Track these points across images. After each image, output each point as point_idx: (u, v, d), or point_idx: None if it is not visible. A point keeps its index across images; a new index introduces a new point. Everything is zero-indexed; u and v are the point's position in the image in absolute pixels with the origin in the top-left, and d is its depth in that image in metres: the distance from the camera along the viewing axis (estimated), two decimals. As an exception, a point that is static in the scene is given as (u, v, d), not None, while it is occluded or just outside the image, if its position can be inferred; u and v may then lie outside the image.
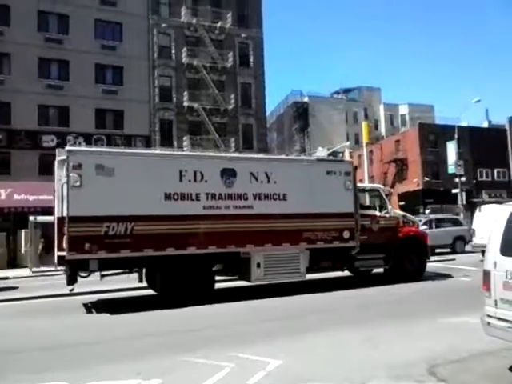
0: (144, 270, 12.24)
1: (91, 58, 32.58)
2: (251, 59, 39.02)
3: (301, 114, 67.41)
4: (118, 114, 33.48)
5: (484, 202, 31.73)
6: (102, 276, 11.62)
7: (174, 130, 35.96)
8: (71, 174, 10.46)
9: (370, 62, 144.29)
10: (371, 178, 51.89)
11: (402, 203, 48.06)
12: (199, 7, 37.17)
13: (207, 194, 11.73)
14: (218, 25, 37.35)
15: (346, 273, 14.84)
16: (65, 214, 10.44)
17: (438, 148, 43.08)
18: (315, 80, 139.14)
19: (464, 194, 37.10)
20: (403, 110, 71.13)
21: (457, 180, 36.95)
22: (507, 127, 46.47)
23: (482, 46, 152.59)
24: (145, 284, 12.58)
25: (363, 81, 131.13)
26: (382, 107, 72.58)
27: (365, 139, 20.12)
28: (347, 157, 30.67)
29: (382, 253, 13.84)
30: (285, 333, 8.04)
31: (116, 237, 10.70)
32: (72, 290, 11.89)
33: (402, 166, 48.88)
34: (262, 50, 39.75)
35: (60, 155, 10.92)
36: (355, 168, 14.24)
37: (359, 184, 14.93)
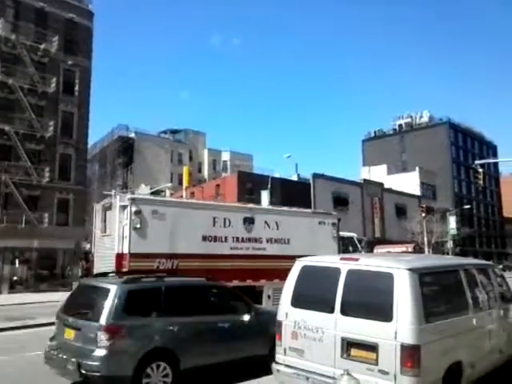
0: None
1: None
2: (76, 87, 37.22)
3: (126, 149, 65.97)
4: None
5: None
6: None
7: (-23, 151, 31.77)
8: (133, 218, 12.07)
9: (199, 107, 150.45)
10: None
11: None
12: (21, 23, 34.35)
13: (233, 237, 14.01)
14: (42, 46, 34.93)
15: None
16: (125, 251, 11.91)
17: (254, 195, 46.20)
18: (142, 117, 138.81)
19: (274, 239, 40.14)
20: (225, 156, 75.10)
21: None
22: (311, 181, 52.44)
23: (293, 110, 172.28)
24: None
25: (190, 124, 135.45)
26: (206, 152, 75.51)
27: (185, 183, 20.70)
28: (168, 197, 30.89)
29: None
30: None
31: (165, 271, 11.77)
32: None
33: (221, 209, 50.95)
34: (88, 79, 38.30)
35: (122, 201, 12.42)
36: (339, 220, 17.32)
37: (340, 233, 17.64)
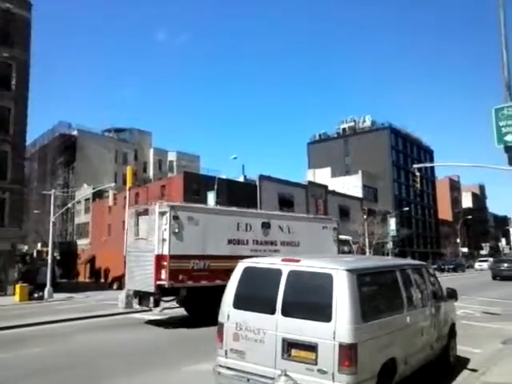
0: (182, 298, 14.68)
1: None
2: (13, 82, 35.41)
3: (68, 147, 63.65)
4: None
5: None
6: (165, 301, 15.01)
7: None
8: (172, 223, 13.50)
9: (145, 106, 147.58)
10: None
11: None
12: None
13: (253, 240, 15.81)
14: (-26, 37, 32.99)
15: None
16: (165, 253, 13.47)
17: (200, 196, 45.86)
18: (85, 115, 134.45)
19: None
20: (171, 156, 74.11)
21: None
22: (257, 183, 52.75)
23: (245, 111, 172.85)
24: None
25: (136, 123, 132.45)
26: (151, 151, 74.19)
27: (128, 184, 20.24)
28: (111, 197, 30.01)
29: None
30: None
31: (199, 270, 13.80)
32: (162, 309, 16.56)
33: (166, 210, 50.16)
34: (26, 73, 36.55)
35: (161, 208, 13.79)
36: (338, 225, 19.74)
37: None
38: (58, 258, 52.71)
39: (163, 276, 13.36)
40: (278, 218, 17.47)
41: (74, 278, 54.57)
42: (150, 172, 73.03)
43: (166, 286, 13.36)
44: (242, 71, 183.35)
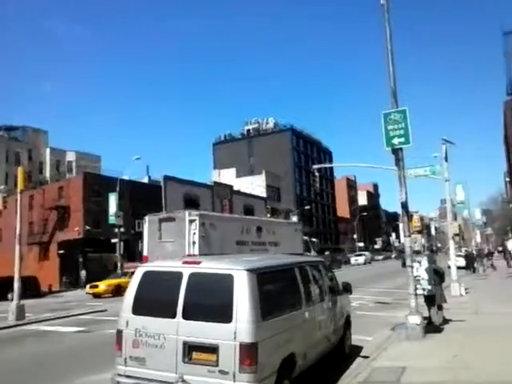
0: None
1: None
2: None
3: None
4: None
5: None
6: None
7: None
8: (200, 229, 15.67)
9: (40, 103, 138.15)
10: (30, 225, 48.27)
11: (62, 251, 46.34)
12: None
13: (251, 241, 18.31)
14: None
15: None
16: (196, 253, 15.27)
17: (102, 198, 44.02)
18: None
19: (122, 243, 38.81)
20: (70, 156, 70.11)
21: (116, 230, 38.47)
22: (162, 184, 51.86)
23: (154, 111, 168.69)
24: None
25: (30, 121, 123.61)
26: (48, 151, 69.59)
27: (20, 186, 18.69)
28: (0, 201, 27.46)
29: None
30: None
31: None
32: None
33: (64, 213, 47.49)
34: None
35: (191, 216, 15.93)
36: (303, 227, 23.50)
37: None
38: None
39: None
40: (266, 223, 20.95)
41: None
42: (47, 173, 68.38)
43: None
44: (144, 71, 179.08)
